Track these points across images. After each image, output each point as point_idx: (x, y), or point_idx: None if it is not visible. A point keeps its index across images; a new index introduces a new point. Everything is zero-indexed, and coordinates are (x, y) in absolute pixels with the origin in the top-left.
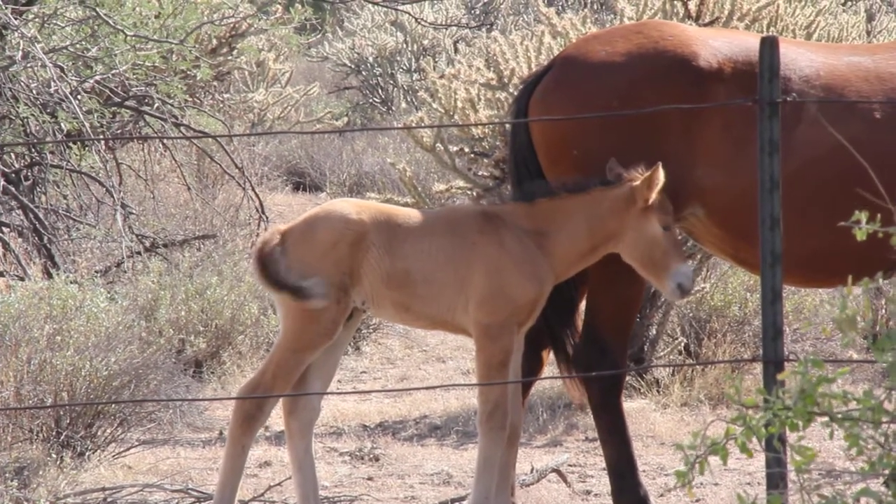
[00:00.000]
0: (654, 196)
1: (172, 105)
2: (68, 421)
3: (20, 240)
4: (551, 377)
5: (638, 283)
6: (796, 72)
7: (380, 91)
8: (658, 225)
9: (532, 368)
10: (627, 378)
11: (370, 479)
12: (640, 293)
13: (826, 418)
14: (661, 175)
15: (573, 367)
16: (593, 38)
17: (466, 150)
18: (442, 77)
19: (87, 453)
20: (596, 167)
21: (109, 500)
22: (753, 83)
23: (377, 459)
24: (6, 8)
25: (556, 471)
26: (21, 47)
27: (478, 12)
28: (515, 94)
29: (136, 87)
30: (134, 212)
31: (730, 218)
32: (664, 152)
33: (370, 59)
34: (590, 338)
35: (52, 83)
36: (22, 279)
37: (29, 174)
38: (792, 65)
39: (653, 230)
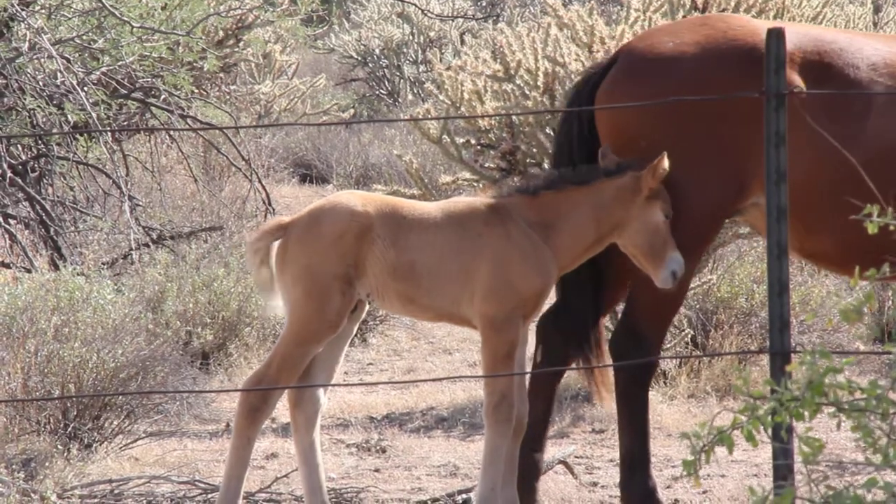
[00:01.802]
0: (657, 185)
1: (179, 97)
2: (75, 413)
3: (27, 231)
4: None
5: (685, 279)
6: (863, 60)
7: (386, 83)
8: (661, 213)
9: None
10: None
11: (377, 470)
12: (685, 289)
13: (833, 409)
14: (665, 164)
15: (609, 354)
16: (657, 31)
17: (473, 141)
18: (448, 69)
19: (94, 445)
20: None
21: (116, 491)
22: (822, 71)
23: (384, 451)
24: None
25: (563, 462)
26: (28, 39)
27: (484, 4)
28: (575, 85)
29: (143, 78)
30: (140, 204)
31: (796, 208)
32: (732, 140)
33: (376, 50)
34: (627, 328)
35: (59, 75)
36: (29, 271)
37: (35, 166)
38: (858, 53)
39: (656, 219)
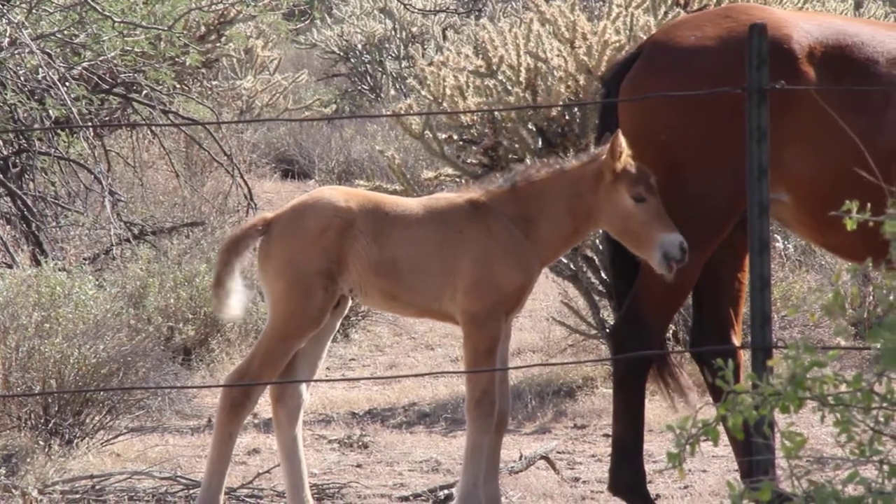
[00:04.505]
0: (619, 166)
1: (161, 92)
2: (56, 408)
3: (8, 227)
4: (539, 364)
5: (692, 271)
6: (884, 54)
7: (368, 78)
8: (627, 196)
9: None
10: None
11: (359, 466)
12: (694, 280)
13: (816, 404)
14: (620, 143)
15: (608, 341)
16: (681, 23)
17: (455, 137)
18: (430, 64)
19: (75, 441)
20: (683, 151)
21: (98, 487)
22: (843, 65)
23: (366, 447)
24: None
25: (545, 458)
26: (8, 34)
27: None
28: (603, 78)
29: (125, 73)
30: (122, 199)
31: (817, 204)
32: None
33: (359, 46)
34: (630, 317)
35: (40, 70)
36: (10, 266)
37: (17, 161)
38: (880, 47)
39: (624, 203)
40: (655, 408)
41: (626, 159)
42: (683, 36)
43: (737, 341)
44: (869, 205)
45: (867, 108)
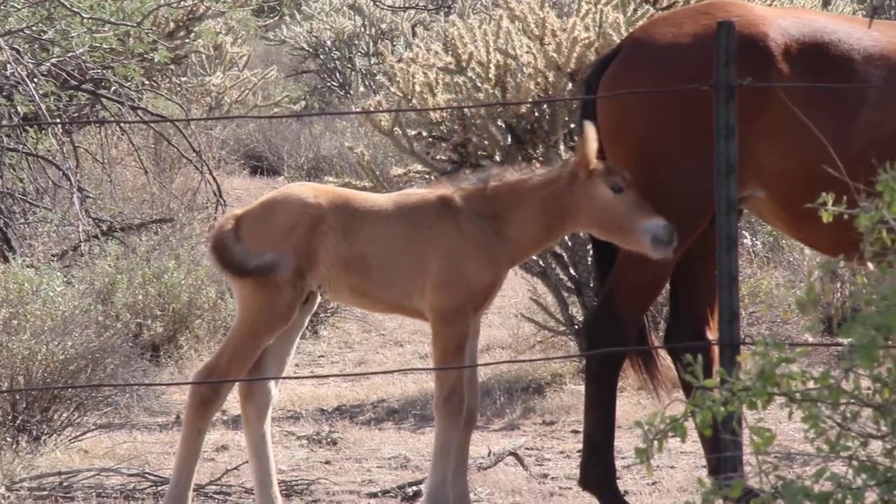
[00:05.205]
0: (593, 161)
1: (130, 88)
2: (24, 405)
3: None
4: (508, 361)
5: (666, 266)
6: (860, 51)
7: (338, 75)
8: (605, 188)
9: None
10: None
11: (328, 462)
12: (668, 274)
13: (784, 399)
14: (590, 134)
15: (580, 335)
16: (661, 20)
17: (424, 134)
18: (400, 61)
19: (43, 438)
20: (659, 148)
21: (65, 484)
22: (820, 63)
23: (335, 443)
24: None
25: (514, 454)
26: None
27: None
28: (584, 75)
29: (93, 69)
30: (91, 195)
31: (792, 199)
32: None
33: (328, 42)
34: (605, 309)
35: (8, 66)
36: None
37: None
38: (857, 44)
39: (602, 195)
40: (623, 404)
41: (597, 162)
42: (661, 33)
43: (712, 337)
44: (844, 198)
45: (842, 105)
